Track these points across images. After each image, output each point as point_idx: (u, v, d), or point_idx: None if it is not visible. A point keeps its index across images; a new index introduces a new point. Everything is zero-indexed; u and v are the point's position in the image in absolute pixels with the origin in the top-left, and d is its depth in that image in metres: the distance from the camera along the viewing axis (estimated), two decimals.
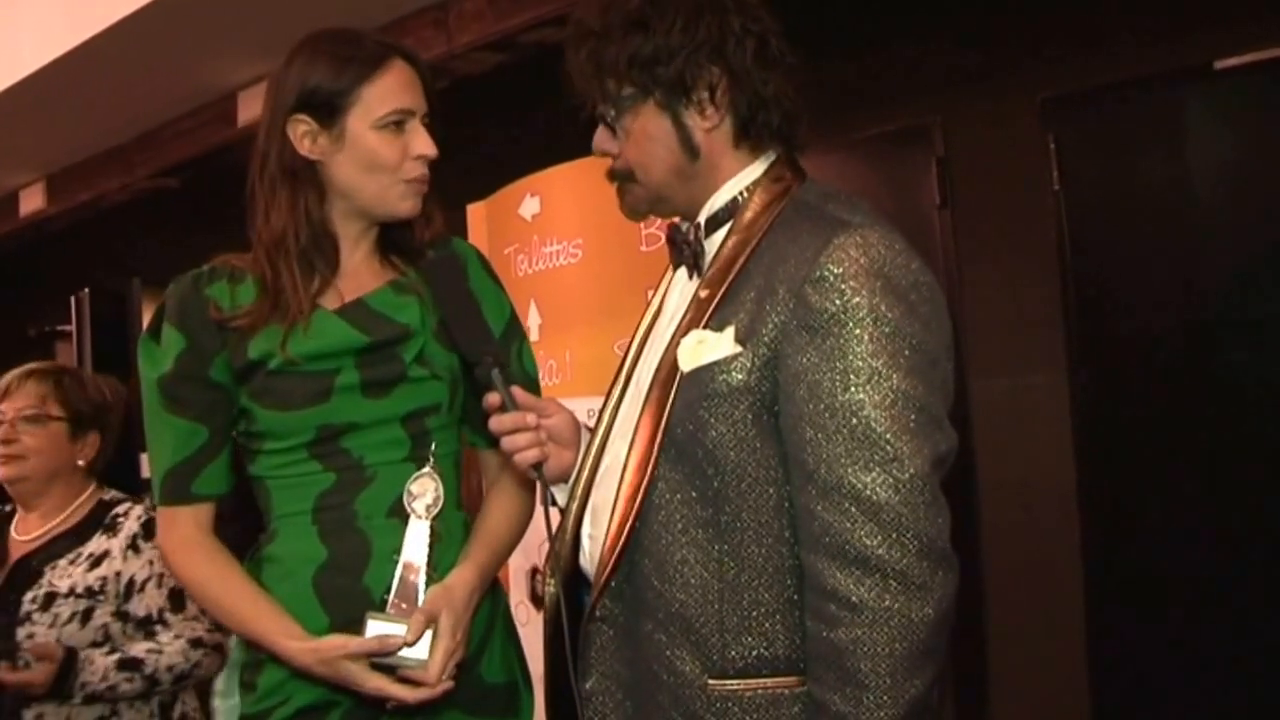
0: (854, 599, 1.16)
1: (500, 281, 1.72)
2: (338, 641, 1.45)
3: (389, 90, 1.53)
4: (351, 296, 1.57)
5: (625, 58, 1.33)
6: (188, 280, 1.59)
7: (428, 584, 1.50)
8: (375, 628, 1.45)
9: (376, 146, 1.53)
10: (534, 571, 2.83)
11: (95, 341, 5.69)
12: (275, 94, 1.56)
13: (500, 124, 4.07)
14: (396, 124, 1.53)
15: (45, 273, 6.71)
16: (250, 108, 4.38)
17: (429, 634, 1.46)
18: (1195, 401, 2.97)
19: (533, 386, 1.63)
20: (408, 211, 1.57)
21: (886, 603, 1.15)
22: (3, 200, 6.05)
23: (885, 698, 1.15)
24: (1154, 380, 3.05)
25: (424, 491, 1.54)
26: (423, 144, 1.55)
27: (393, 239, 1.63)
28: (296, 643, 1.46)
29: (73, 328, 5.81)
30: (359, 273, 1.60)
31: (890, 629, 1.15)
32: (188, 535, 1.56)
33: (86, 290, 5.73)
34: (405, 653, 1.44)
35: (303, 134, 1.54)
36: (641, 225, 2.83)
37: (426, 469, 1.55)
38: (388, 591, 1.49)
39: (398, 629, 1.45)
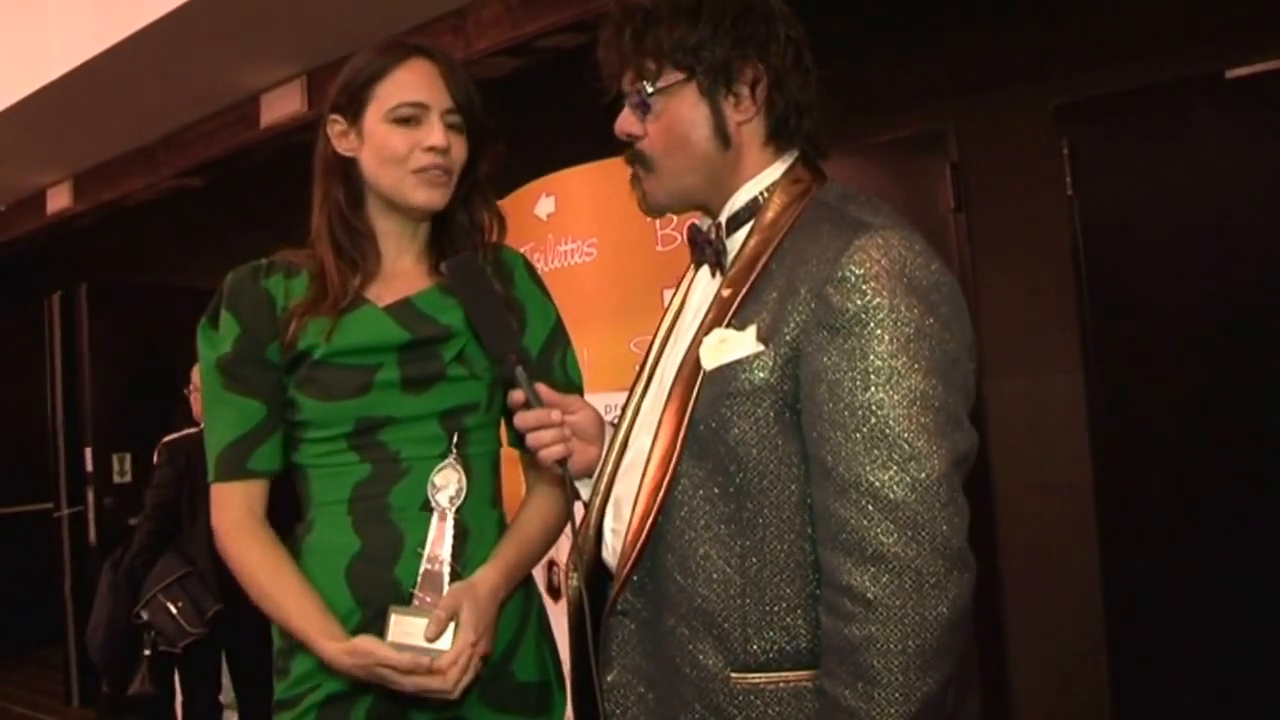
0: (869, 595, 1.16)
1: (547, 290, 1.74)
2: (369, 646, 1.46)
3: (400, 84, 1.57)
4: (400, 296, 1.61)
5: (673, 40, 1.34)
6: (246, 271, 1.63)
7: (453, 578, 1.52)
8: (398, 621, 1.48)
9: (386, 138, 1.57)
10: (550, 564, 2.85)
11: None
12: (327, 97, 1.64)
13: (517, 126, 4.10)
14: (408, 118, 1.56)
15: (71, 270, 6.77)
16: (272, 110, 4.40)
17: (451, 626, 1.47)
18: (1208, 402, 2.99)
19: (576, 393, 1.65)
20: (423, 203, 1.59)
21: (900, 600, 1.15)
22: (30, 198, 6.07)
23: (897, 695, 1.15)
24: (1167, 381, 3.06)
25: (447, 483, 1.56)
26: (432, 135, 1.56)
27: (444, 247, 1.66)
28: (334, 644, 1.47)
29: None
30: (409, 274, 1.64)
31: (904, 626, 1.15)
32: (240, 518, 1.58)
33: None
34: (425, 645, 1.46)
35: (338, 133, 1.61)
36: (656, 225, 2.86)
37: (449, 460, 1.57)
38: (415, 585, 1.52)
39: (419, 623, 1.47)
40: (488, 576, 1.54)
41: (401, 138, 1.57)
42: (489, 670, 1.56)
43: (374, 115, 1.58)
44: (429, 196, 1.59)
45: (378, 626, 1.49)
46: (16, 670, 6.91)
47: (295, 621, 1.51)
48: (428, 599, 1.50)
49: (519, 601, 1.63)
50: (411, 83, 1.57)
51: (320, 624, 1.50)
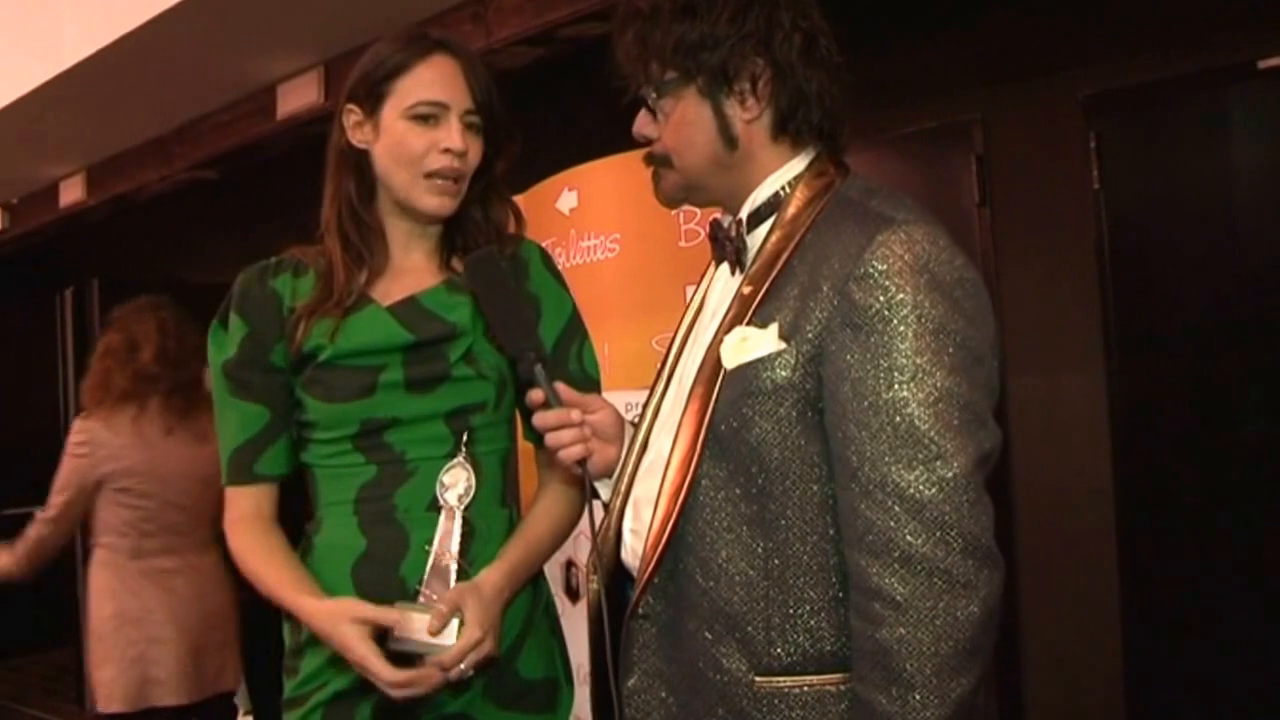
0: (898, 598, 1.15)
1: (564, 280, 1.72)
2: (351, 604, 1.47)
3: (421, 82, 1.56)
4: (406, 294, 1.60)
5: (671, 42, 1.32)
6: (255, 271, 1.64)
7: (459, 576, 1.52)
8: (402, 617, 1.48)
9: (402, 136, 1.56)
10: (569, 564, 2.84)
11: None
12: (344, 86, 1.63)
13: (538, 118, 4.08)
14: (426, 116, 1.55)
15: (83, 265, 6.78)
16: (288, 101, 4.40)
17: (455, 623, 1.47)
18: (1234, 402, 2.96)
19: (593, 387, 1.65)
20: (434, 209, 1.58)
21: (931, 601, 1.14)
22: (43, 191, 6.11)
23: (932, 697, 1.14)
24: (1191, 379, 3.03)
25: (455, 482, 1.56)
26: (450, 137, 1.55)
27: (458, 246, 1.65)
28: (313, 601, 1.49)
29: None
30: (417, 271, 1.63)
31: (935, 628, 1.14)
32: (243, 515, 1.62)
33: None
34: (428, 640, 1.46)
35: (354, 123, 1.60)
36: (680, 220, 2.83)
37: (458, 459, 1.57)
38: (422, 581, 1.52)
39: (423, 618, 1.47)
40: (492, 576, 1.54)
41: (419, 137, 1.55)
42: (494, 667, 1.55)
43: (392, 110, 1.56)
44: (439, 204, 1.58)
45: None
46: (29, 672, 6.95)
47: (279, 589, 1.54)
48: (434, 595, 1.50)
49: (525, 598, 1.63)
50: (433, 80, 1.56)
51: (299, 583, 1.53)
